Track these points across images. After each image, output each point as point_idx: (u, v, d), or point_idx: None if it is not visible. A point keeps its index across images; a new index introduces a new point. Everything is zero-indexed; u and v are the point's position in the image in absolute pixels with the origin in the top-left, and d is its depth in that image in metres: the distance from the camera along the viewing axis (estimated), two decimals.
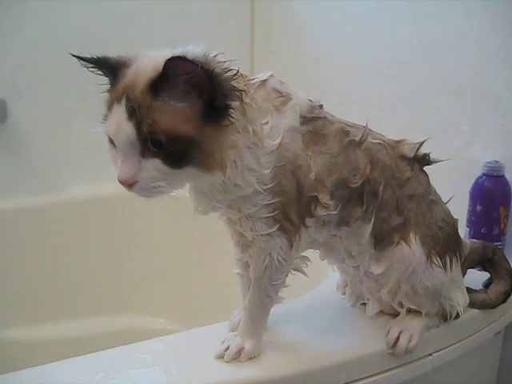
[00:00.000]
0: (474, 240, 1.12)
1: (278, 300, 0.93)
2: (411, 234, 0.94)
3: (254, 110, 0.82)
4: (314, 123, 0.88)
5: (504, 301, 1.08)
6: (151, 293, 1.71)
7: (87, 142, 1.66)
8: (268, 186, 0.83)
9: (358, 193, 0.90)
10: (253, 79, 0.86)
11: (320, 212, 0.87)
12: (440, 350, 1.03)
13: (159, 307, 1.71)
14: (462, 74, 1.29)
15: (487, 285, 1.09)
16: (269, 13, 1.77)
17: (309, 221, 0.88)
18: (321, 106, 0.91)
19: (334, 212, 0.88)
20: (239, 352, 0.90)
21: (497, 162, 1.20)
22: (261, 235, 0.86)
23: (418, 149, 0.97)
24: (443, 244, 0.97)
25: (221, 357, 0.90)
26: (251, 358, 0.91)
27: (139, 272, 1.70)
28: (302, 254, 0.92)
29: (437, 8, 1.33)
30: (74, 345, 1.21)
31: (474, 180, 1.23)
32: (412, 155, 0.96)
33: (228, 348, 0.91)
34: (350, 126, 0.92)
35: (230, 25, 1.76)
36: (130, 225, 1.70)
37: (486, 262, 1.08)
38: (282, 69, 1.69)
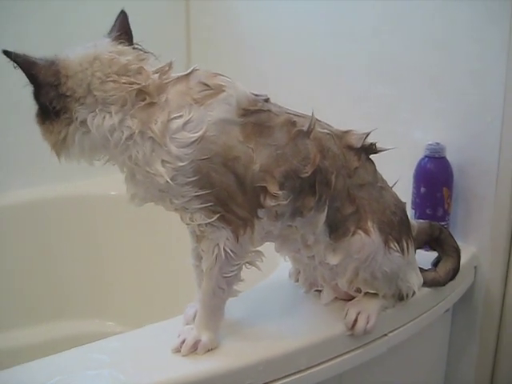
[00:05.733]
0: (421, 220, 1.14)
1: (234, 293, 0.93)
2: (369, 223, 0.95)
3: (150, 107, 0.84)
4: (257, 116, 0.88)
5: (453, 278, 1.10)
6: (97, 296, 1.66)
7: (23, 146, 1.62)
8: (192, 179, 0.84)
9: (309, 183, 0.90)
10: (173, 76, 0.87)
11: (269, 202, 0.87)
12: (395, 329, 1.05)
13: (106, 310, 1.67)
14: (400, 60, 1.31)
15: (436, 263, 1.11)
16: (203, 5, 1.76)
17: (260, 212, 0.88)
18: (266, 100, 0.92)
19: (285, 202, 0.88)
20: (196, 345, 0.89)
21: (438, 143, 1.23)
22: (206, 226, 0.87)
23: (365, 139, 0.98)
24: (398, 229, 0.98)
25: (178, 351, 0.89)
26: (209, 351, 0.90)
27: (83, 276, 1.66)
28: (258, 248, 0.92)
29: None
30: (20, 355, 1.17)
31: (416, 163, 1.25)
32: (359, 146, 0.97)
33: (184, 341, 0.89)
34: (297, 116, 0.92)
35: (164, 19, 1.74)
36: (72, 229, 1.66)
37: (433, 241, 1.11)
38: (221, 62, 1.70)
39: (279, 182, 0.87)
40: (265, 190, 0.87)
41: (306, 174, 0.89)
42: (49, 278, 1.63)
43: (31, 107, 0.86)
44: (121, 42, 0.89)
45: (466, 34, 1.20)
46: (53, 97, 0.84)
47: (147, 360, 0.89)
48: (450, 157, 1.23)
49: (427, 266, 1.11)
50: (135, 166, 0.86)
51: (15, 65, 0.83)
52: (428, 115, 1.29)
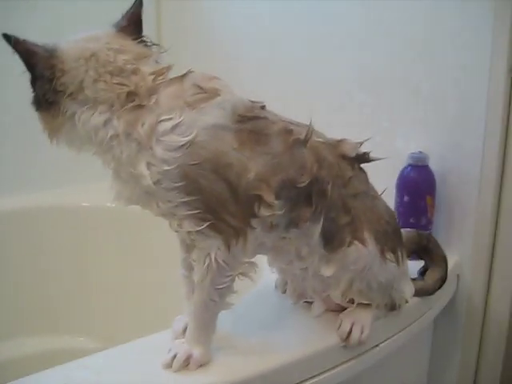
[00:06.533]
0: (408, 229, 1.13)
1: (226, 306, 0.89)
2: (365, 233, 0.93)
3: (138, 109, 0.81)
4: (254, 122, 0.86)
5: (440, 286, 1.10)
6: (67, 311, 1.59)
7: (12, 152, 1.58)
8: (178, 184, 0.81)
9: (306, 193, 0.88)
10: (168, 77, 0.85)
11: (264, 212, 0.85)
12: (385, 340, 1.03)
13: (77, 325, 1.60)
14: (380, 69, 1.31)
15: (423, 272, 1.11)
16: (175, 10, 1.73)
17: (254, 221, 0.85)
18: (263, 107, 0.89)
19: (280, 212, 0.85)
20: (188, 360, 0.86)
21: (421, 152, 1.22)
22: (196, 234, 0.83)
23: (359, 148, 0.96)
24: (393, 238, 0.97)
25: (168, 366, 0.86)
26: (201, 366, 0.86)
27: (54, 290, 1.59)
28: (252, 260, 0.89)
29: (350, 3, 1.34)
30: None
31: (398, 172, 1.25)
32: (353, 155, 0.95)
33: (175, 356, 0.86)
34: (293, 124, 0.90)
35: None
36: (44, 241, 1.59)
37: (421, 249, 1.10)
38: (194, 68, 1.66)
39: (275, 192, 0.85)
40: (260, 198, 0.84)
41: (303, 184, 0.87)
42: (16, 292, 1.56)
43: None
44: (126, 35, 0.86)
45: (448, 42, 1.21)
46: (47, 89, 0.82)
47: (137, 376, 0.84)
48: (432, 166, 1.23)
49: (413, 275, 1.10)
50: (119, 165, 0.83)
51: (14, 51, 0.81)
52: (410, 124, 1.29)
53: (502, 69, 1.13)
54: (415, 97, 1.27)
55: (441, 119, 1.24)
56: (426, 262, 1.11)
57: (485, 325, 1.26)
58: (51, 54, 0.82)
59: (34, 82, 0.83)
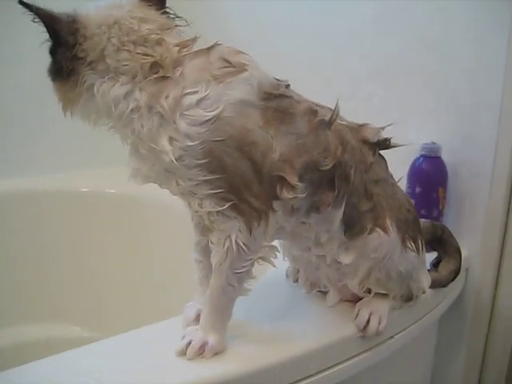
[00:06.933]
0: (423, 220, 1.10)
1: (244, 292, 0.85)
2: (388, 220, 0.90)
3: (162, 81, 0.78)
4: (279, 101, 0.82)
5: (454, 278, 1.08)
6: (63, 299, 1.56)
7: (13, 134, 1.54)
8: (201, 161, 0.77)
9: (328, 177, 0.85)
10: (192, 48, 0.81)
11: (286, 194, 0.81)
12: (400, 331, 1.01)
13: (72, 314, 1.56)
14: (392, 59, 1.29)
15: (436, 264, 1.09)
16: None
17: (276, 204, 0.82)
18: (287, 86, 0.86)
19: (302, 195, 0.82)
20: (203, 347, 0.82)
21: (434, 143, 1.21)
22: (216, 215, 0.80)
23: (380, 134, 0.94)
24: (414, 227, 0.95)
25: (183, 354, 0.82)
26: (216, 354, 0.83)
27: (49, 277, 1.55)
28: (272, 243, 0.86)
29: None
30: None
31: (409, 163, 1.23)
32: (375, 140, 0.92)
33: (190, 343, 0.82)
34: (317, 105, 0.87)
35: None
36: (42, 227, 1.55)
37: (435, 240, 1.08)
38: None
39: (298, 174, 0.81)
40: (282, 180, 0.81)
41: (327, 167, 0.84)
42: (12, 279, 1.51)
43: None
44: (150, 5, 0.82)
45: (462, 33, 1.19)
46: (67, 57, 0.78)
47: (150, 364, 0.81)
48: (444, 157, 1.22)
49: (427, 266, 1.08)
50: (139, 139, 0.79)
51: (36, 18, 0.77)
52: (421, 115, 1.27)
53: None
54: (427, 87, 1.25)
55: (453, 110, 1.22)
56: (439, 254, 1.09)
57: (492, 320, 1.24)
58: (74, 19, 0.78)
59: (54, 50, 0.79)
